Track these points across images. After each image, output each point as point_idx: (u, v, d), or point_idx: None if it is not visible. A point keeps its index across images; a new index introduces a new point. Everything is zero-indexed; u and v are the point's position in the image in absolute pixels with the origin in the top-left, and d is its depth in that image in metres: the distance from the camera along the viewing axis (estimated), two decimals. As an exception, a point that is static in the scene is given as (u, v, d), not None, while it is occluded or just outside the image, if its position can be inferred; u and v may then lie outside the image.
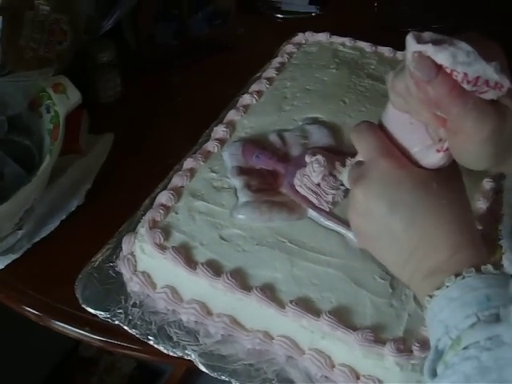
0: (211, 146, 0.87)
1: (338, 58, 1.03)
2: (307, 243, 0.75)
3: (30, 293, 0.79)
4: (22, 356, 1.32)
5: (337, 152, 0.82)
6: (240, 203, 0.78)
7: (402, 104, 0.55)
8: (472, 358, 0.45)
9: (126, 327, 0.71)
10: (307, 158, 0.80)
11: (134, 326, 0.71)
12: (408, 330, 0.66)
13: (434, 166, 0.55)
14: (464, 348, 0.46)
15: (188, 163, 0.84)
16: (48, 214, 0.86)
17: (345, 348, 0.66)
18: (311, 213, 0.78)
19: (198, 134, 0.93)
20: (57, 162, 0.82)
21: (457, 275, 0.50)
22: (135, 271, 0.75)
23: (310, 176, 0.79)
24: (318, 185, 0.79)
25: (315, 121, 0.91)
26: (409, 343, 0.65)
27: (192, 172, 0.83)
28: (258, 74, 1.02)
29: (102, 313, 0.73)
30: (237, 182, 0.81)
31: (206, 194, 0.80)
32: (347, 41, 1.07)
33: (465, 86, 0.49)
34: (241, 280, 0.70)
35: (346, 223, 0.73)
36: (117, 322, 0.72)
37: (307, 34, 1.09)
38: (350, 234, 0.74)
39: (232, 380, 0.67)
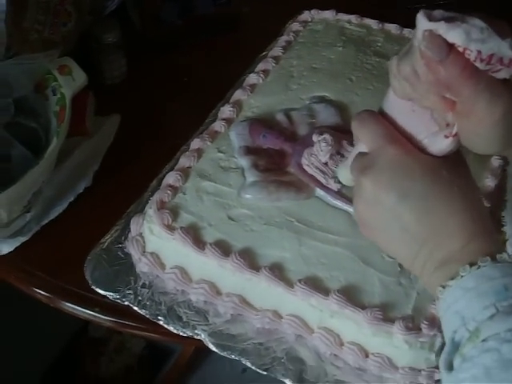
0: (218, 126, 0.86)
1: (344, 36, 1.03)
2: (315, 222, 0.75)
3: (40, 275, 0.80)
4: (32, 337, 1.33)
5: (344, 131, 0.81)
6: (247, 183, 0.78)
7: (406, 90, 0.53)
8: (492, 350, 0.44)
9: (135, 308, 0.72)
10: (314, 137, 0.80)
11: (144, 307, 0.72)
12: (416, 308, 0.67)
13: (442, 153, 0.54)
14: (483, 340, 0.45)
15: (195, 143, 0.84)
16: (56, 197, 0.86)
17: (353, 326, 0.66)
18: (319, 192, 0.78)
19: (205, 114, 0.93)
20: (64, 145, 0.81)
21: (471, 265, 0.49)
22: (144, 252, 0.75)
23: (318, 155, 0.79)
24: (326, 164, 0.78)
25: (322, 99, 0.90)
26: (417, 321, 0.65)
27: (199, 152, 0.83)
28: (264, 53, 1.01)
29: (112, 294, 0.73)
30: (244, 161, 0.81)
31: (214, 174, 0.80)
32: (353, 18, 1.06)
33: (478, 64, 0.48)
34: (249, 260, 0.71)
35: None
36: (126, 303, 0.72)
37: (313, 11, 1.08)
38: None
39: (242, 359, 0.68)
